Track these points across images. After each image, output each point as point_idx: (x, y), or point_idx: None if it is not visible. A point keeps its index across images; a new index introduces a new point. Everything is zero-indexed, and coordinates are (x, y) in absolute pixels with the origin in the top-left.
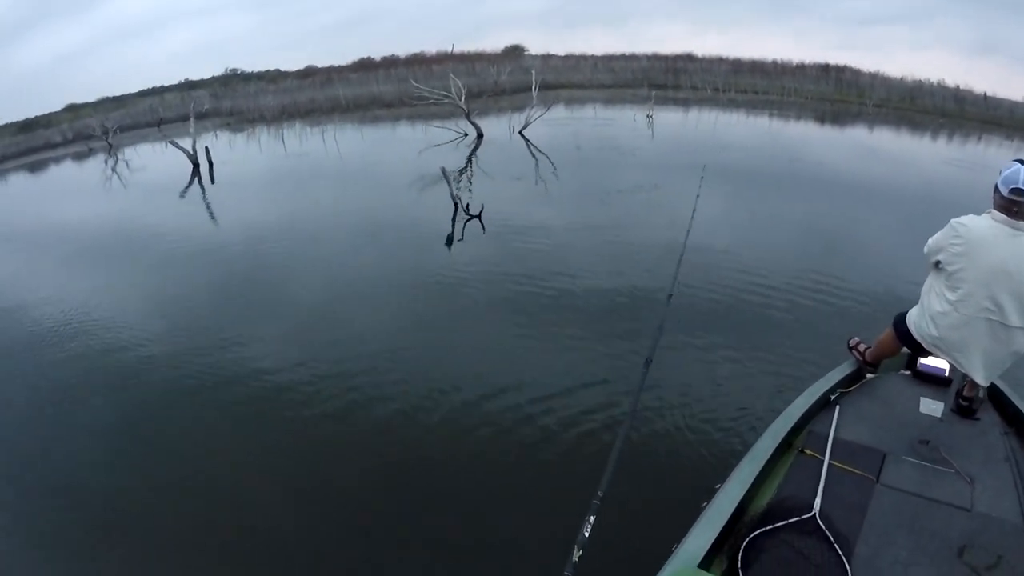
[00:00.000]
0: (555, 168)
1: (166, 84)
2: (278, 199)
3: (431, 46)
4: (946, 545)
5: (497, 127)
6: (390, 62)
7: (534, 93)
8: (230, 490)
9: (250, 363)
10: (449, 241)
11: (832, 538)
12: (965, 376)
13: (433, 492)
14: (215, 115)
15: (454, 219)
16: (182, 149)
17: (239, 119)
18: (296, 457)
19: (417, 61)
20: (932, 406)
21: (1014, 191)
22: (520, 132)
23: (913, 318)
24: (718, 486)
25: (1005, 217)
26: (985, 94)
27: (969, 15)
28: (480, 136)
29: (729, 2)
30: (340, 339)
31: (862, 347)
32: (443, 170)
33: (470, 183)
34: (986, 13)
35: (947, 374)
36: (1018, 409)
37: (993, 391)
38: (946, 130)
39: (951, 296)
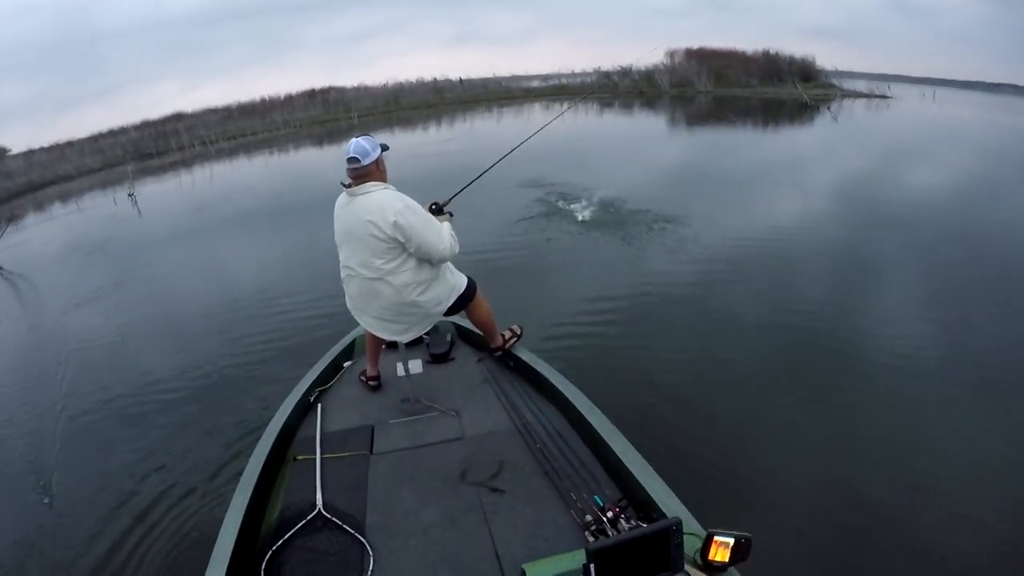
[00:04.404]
0: (36, 290)
1: None
2: None
3: None
4: (448, 477)
5: None
6: None
7: None
8: None
9: None
10: None
11: (340, 523)
12: (435, 329)
13: None
14: None
15: None
16: None
17: None
18: None
19: None
20: (409, 366)
21: (349, 160)
22: None
23: None
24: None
25: (347, 188)
26: (460, 79)
27: (442, 15)
28: None
29: (216, 51)
30: None
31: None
32: None
33: None
34: (457, 10)
35: None
36: (480, 336)
37: (462, 331)
38: (432, 120)
39: (342, 262)
